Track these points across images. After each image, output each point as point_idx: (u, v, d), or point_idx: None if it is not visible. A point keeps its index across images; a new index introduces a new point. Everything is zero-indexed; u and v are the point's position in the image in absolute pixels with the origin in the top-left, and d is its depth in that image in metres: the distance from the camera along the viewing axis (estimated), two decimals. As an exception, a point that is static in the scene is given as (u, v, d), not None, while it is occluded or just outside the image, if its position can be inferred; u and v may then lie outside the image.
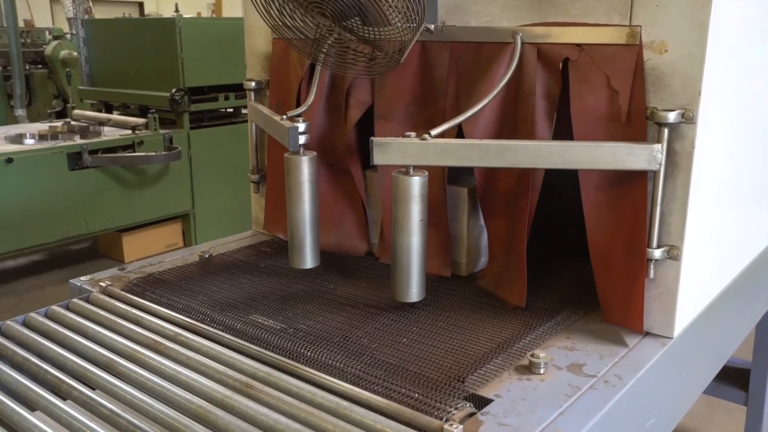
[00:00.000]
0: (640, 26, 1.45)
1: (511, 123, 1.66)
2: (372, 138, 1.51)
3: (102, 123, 5.99)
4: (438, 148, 1.50)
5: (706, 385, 1.95)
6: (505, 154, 1.48)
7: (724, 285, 1.84)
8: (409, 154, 1.51)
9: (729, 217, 1.81)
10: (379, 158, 1.51)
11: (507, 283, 1.71)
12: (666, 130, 1.44)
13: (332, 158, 2.01)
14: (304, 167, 1.75)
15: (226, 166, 6.23)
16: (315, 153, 1.77)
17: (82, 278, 1.87)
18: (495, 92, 1.58)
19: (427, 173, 1.53)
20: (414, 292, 1.60)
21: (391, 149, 1.50)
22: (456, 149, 1.51)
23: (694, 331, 1.65)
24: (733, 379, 2.93)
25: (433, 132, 1.51)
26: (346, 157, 1.99)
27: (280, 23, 1.72)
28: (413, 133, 1.52)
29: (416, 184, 1.52)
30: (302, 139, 1.73)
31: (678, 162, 1.46)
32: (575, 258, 1.83)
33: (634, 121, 1.48)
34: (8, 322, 1.62)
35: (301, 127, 1.72)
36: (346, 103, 1.93)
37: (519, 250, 1.65)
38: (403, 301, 1.61)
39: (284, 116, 1.78)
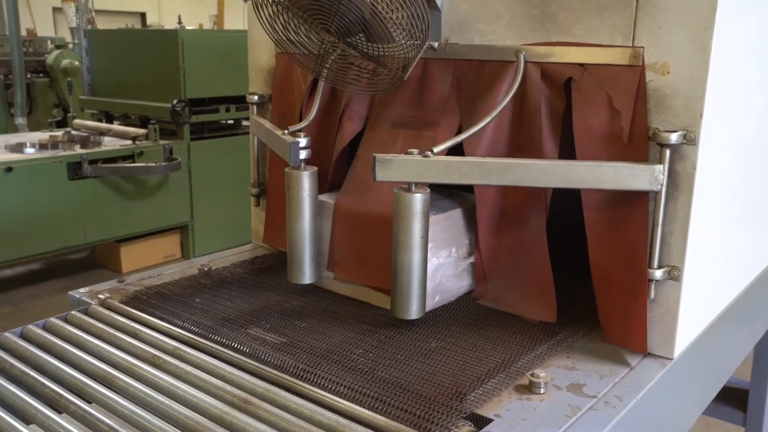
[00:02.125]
0: (643, 47, 1.46)
1: (515, 141, 1.66)
2: (375, 155, 1.50)
3: (102, 133, 6.00)
4: (440, 165, 1.50)
5: (705, 406, 1.94)
6: (508, 173, 1.48)
7: (725, 305, 1.84)
8: (411, 171, 1.50)
9: (730, 237, 1.81)
10: (381, 175, 1.50)
11: (526, 300, 1.71)
12: (668, 151, 1.44)
13: (336, 171, 2.01)
14: (305, 182, 1.75)
15: (226, 178, 6.25)
16: (316, 168, 1.78)
17: (80, 290, 1.86)
18: (498, 110, 1.58)
19: (428, 190, 1.53)
20: (414, 309, 1.59)
21: (393, 166, 1.50)
22: (458, 167, 1.50)
23: (695, 352, 1.64)
24: (731, 399, 2.92)
25: (436, 149, 1.51)
26: (331, 173, 1.97)
27: (285, 38, 1.72)
28: (416, 150, 1.51)
29: (418, 201, 1.51)
30: (303, 154, 1.74)
31: (679, 183, 1.46)
32: (575, 276, 1.82)
33: (636, 141, 1.48)
34: (6, 334, 1.61)
35: (302, 142, 1.72)
36: (342, 116, 1.93)
37: (544, 267, 1.67)
38: (403, 318, 1.60)
39: (286, 131, 1.78)
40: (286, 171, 1.76)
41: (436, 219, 1.70)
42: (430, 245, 1.66)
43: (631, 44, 1.47)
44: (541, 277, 1.68)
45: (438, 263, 1.73)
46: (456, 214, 1.78)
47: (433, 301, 1.73)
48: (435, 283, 1.73)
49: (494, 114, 1.58)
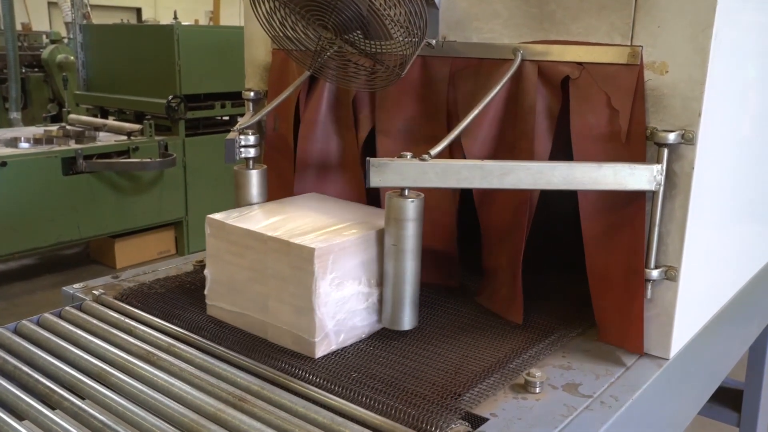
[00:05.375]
0: (642, 46, 1.45)
1: (510, 140, 1.66)
2: (369, 159, 1.44)
3: (97, 128, 5.99)
4: (438, 169, 1.44)
5: (701, 406, 1.94)
6: (508, 175, 1.44)
7: (720, 306, 1.84)
8: (407, 176, 1.43)
9: (726, 238, 1.81)
10: (375, 180, 1.43)
11: (505, 300, 1.70)
12: (666, 151, 1.44)
13: (336, 172, 2.00)
14: (252, 180, 1.75)
15: (221, 174, 6.23)
16: (265, 166, 1.77)
17: (75, 286, 1.85)
18: (486, 101, 1.55)
19: (422, 195, 1.48)
20: (406, 320, 1.53)
21: (388, 170, 1.43)
22: (457, 170, 1.45)
23: (690, 352, 1.64)
24: (725, 399, 2.93)
25: (433, 151, 1.45)
26: (358, 172, 1.93)
27: (282, 34, 1.71)
28: (409, 153, 1.45)
29: (411, 207, 1.46)
30: (251, 153, 1.75)
31: (677, 183, 1.46)
32: (570, 275, 1.82)
33: (634, 141, 1.48)
34: (-1, 329, 1.61)
35: (245, 140, 1.72)
36: (356, 121, 1.91)
37: (516, 267, 1.65)
38: (395, 329, 1.56)
39: (234, 128, 1.79)
40: (234, 169, 1.77)
41: (342, 244, 1.50)
42: (332, 275, 1.48)
43: (629, 43, 1.47)
44: (514, 277, 1.66)
45: (341, 297, 1.51)
46: (370, 237, 1.56)
47: (336, 341, 1.52)
48: (339, 319, 1.51)
49: (481, 106, 1.55)
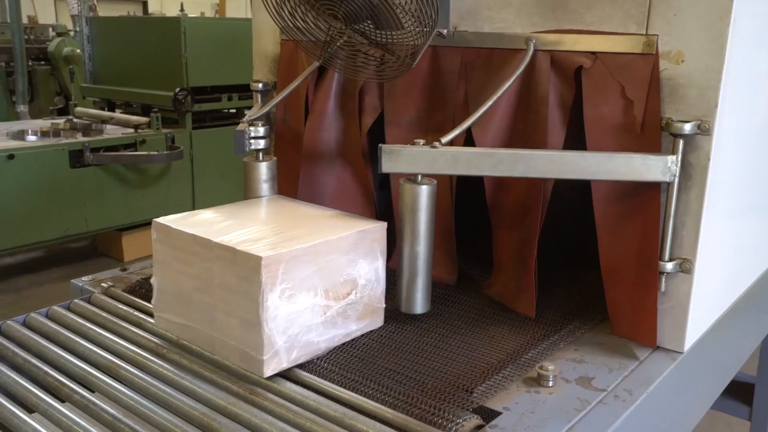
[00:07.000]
0: (657, 35, 1.43)
1: (522, 130, 1.64)
2: (381, 145, 1.47)
3: (104, 121, 5.98)
4: (449, 156, 1.46)
5: (714, 400, 1.93)
6: (519, 164, 1.45)
7: (734, 298, 1.82)
8: (418, 163, 1.46)
9: (741, 230, 1.79)
10: (387, 166, 1.47)
11: (517, 293, 1.68)
12: (681, 142, 1.42)
13: (342, 164, 1.98)
14: (262, 172, 1.75)
15: (228, 167, 6.22)
16: (275, 158, 1.79)
17: (83, 278, 1.85)
18: (500, 93, 1.54)
19: (435, 182, 1.50)
20: (420, 303, 1.56)
21: (400, 157, 1.46)
22: (468, 158, 1.47)
23: (704, 346, 1.62)
24: (737, 393, 2.91)
25: (444, 139, 1.47)
26: (362, 163, 1.94)
27: (291, 25, 1.70)
28: (422, 141, 1.48)
29: (425, 193, 1.48)
30: (261, 144, 1.75)
31: (692, 174, 1.44)
32: (582, 268, 1.80)
33: (649, 131, 1.46)
34: (8, 322, 1.60)
35: (255, 131, 1.71)
36: (360, 109, 1.90)
37: (529, 259, 1.63)
38: (408, 312, 1.58)
39: (244, 119, 1.79)
40: (244, 161, 1.78)
41: (294, 252, 1.36)
42: (282, 287, 1.34)
43: (644, 32, 1.44)
44: (527, 270, 1.65)
45: (294, 310, 1.37)
46: (328, 244, 1.43)
47: (288, 358, 1.38)
48: (291, 334, 1.37)
49: (495, 97, 1.54)
